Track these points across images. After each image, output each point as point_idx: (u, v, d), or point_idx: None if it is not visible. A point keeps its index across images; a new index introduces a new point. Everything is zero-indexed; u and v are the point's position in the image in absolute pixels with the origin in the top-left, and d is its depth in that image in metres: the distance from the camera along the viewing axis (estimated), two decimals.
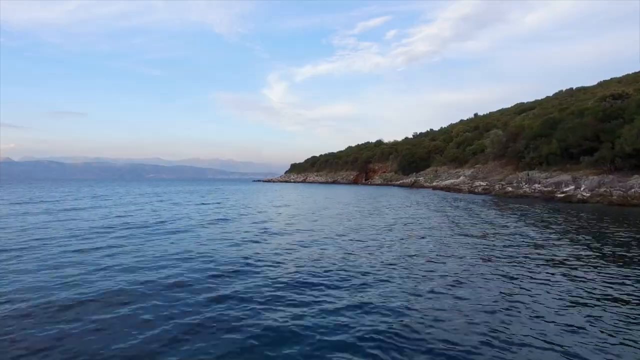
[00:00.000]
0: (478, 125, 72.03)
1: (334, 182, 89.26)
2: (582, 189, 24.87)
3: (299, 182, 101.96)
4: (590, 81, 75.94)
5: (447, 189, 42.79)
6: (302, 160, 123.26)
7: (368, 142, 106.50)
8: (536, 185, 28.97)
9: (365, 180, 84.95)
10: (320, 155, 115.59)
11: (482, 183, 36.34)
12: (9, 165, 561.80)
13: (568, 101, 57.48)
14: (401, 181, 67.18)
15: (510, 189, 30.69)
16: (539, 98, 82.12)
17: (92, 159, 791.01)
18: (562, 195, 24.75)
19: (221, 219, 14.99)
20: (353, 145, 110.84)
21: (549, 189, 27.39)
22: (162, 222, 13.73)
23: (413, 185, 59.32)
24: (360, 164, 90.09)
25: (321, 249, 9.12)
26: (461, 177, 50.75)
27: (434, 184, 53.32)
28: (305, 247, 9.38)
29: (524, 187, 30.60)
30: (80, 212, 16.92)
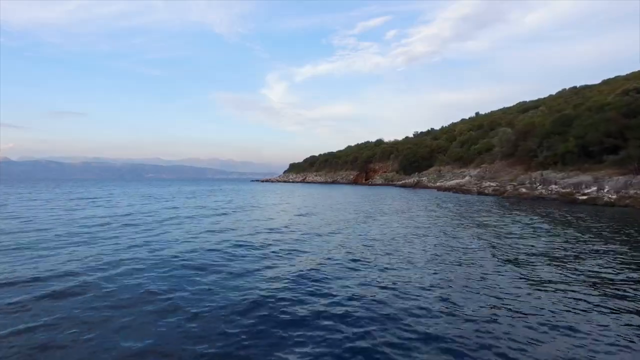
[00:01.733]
0: (482, 124, 69.78)
1: (334, 182, 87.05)
2: (605, 190, 22.58)
3: (297, 182, 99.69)
4: (590, 81, 73.57)
5: (453, 189, 40.48)
6: (301, 160, 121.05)
7: (368, 142, 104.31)
8: (553, 186, 26.67)
9: (366, 180, 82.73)
10: (320, 155, 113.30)
11: (491, 184, 34.05)
12: (8, 165, 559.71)
13: (574, 99, 55.32)
14: (403, 181, 64.90)
15: (524, 190, 28.40)
16: (541, 97, 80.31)
17: (91, 158, 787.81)
18: (585, 197, 22.45)
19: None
20: (353, 144, 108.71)
21: (568, 190, 25.09)
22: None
23: (416, 186, 57.06)
24: (360, 164, 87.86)
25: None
26: (466, 177, 48.53)
27: (438, 184, 51.05)
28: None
29: (538, 188, 28.32)
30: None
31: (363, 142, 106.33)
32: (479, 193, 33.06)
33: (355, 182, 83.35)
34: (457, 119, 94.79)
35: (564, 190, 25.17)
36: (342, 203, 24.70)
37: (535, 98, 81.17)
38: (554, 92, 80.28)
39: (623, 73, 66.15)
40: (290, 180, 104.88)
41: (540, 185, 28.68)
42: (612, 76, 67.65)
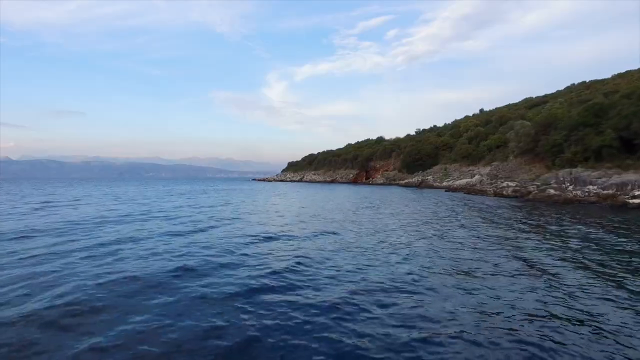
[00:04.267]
0: (490, 119, 65.18)
1: (333, 182, 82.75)
2: None
3: (295, 181, 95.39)
4: (590, 78, 70.17)
5: (463, 190, 36.07)
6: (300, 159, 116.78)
7: (369, 139, 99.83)
8: (590, 187, 22.23)
9: (366, 179, 78.36)
10: (318, 153, 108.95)
11: (510, 184, 29.57)
12: (8, 164, 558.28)
13: (586, 93, 51.04)
14: (406, 180, 60.51)
15: (552, 191, 23.92)
16: (548, 92, 76.03)
17: (91, 157, 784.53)
18: (638, 201, 18.00)
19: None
20: (353, 142, 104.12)
21: (609, 191, 20.68)
22: None
23: (420, 185, 52.68)
24: (360, 162, 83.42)
25: None
26: (476, 176, 44.16)
27: (445, 183, 46.64)
28: None
29: (569, 188, 23.87)
30: None
31: (363, 139, 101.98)
32: (496, 194, 28.62)
33: (355, 181, 79.05)
34: (459, 117, 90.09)
35: (605, 192, 20.75)
36: (344, 212, 20.34)
37: (541, 94, 77.07)
38: (561, 88, 76.03)
39: (622, 70, 62.57)
40: (288, 180, 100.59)
41: (570, 185, 24.22)
42: (612, 74, 63.81)
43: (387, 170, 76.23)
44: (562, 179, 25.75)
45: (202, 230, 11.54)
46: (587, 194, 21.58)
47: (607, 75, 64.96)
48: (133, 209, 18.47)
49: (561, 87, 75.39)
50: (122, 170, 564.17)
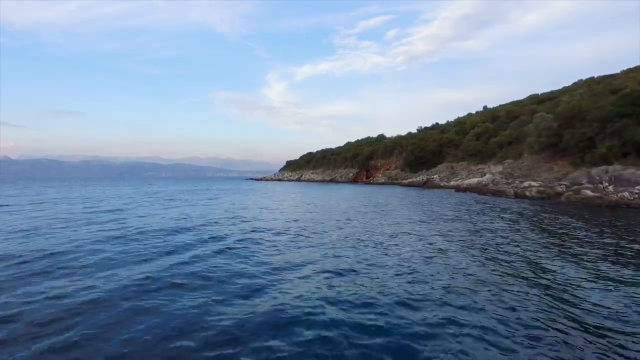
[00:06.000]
0: (498, 115, 61.22)
1: (332, 181, 78.99)
2: None
3: (293, 180, 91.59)
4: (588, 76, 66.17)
5: (475, 190, 32.21)
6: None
7: (369, 138, 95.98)
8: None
9: (367, 178, 74.53)
10: (317, 152, 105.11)
11: (533, 183, 25.67)
12: (8, 163, 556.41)
13: (598, 88, 47.33)
14: (409, 180, 56.63)
15: (589, 192, 20.03)
16: (554, 89, 72.25)
17: (90, 157, 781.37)
18: None
19: None
20: (353, 141, 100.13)
21: None
22: None
23: (425, 185, 48.84)
24: (361, 161, 79.60)
25: None
26: (488, 175, 40.27)
27: (453, 183, 42.77)
28: None
29: (608, 189, 20.01)
30: None
31: (364, 137, 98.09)
32: (517, 195, 24.76)
33: (355, 180, 75.28)
34: (462, 116, 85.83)
35: None
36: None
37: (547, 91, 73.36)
38: (568, 84, 72.23)
39: (624, 68, 58.83)
40: (286, 179, 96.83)
41: (610, 185, 20.34)
42: (614, 72, 60.00)
43: (388, 169, 72.42)
44: (597, 178, 21.86)
45: (132, 299, 5.27)
46: (637, 196, 17.73)
47: (609, 71, 61.05)
48: (70, 228, 12.92)
49: (562, 87, 71.62)
50: (122, 170, 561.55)
